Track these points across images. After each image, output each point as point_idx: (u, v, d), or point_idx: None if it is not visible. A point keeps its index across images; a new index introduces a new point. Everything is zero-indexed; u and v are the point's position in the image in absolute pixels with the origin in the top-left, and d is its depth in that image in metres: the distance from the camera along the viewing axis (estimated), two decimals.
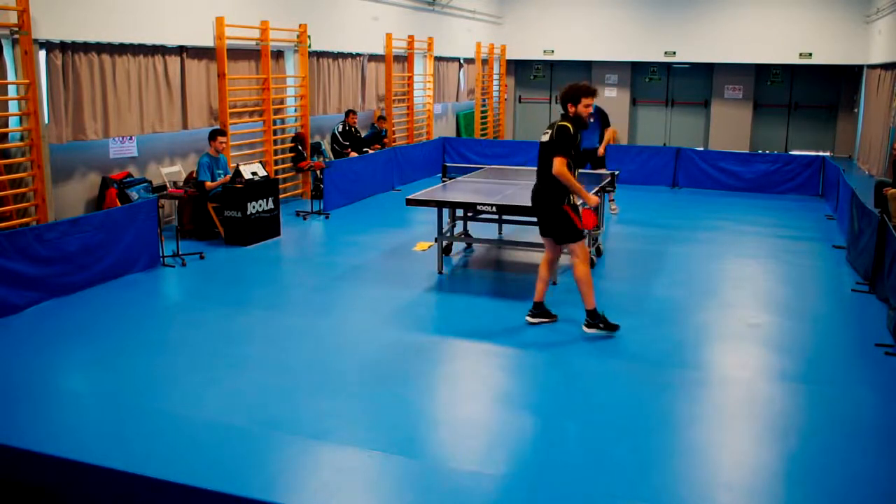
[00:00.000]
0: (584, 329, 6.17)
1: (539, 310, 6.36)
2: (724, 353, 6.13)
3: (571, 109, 5.94)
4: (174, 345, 6.05)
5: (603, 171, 10.02)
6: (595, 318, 6.13)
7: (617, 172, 9.59)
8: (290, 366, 5.54)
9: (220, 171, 9.23)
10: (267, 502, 3.72)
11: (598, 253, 8.72)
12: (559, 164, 5.79)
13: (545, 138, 5.97)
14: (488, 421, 4.83)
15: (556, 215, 6.02)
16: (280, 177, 11.25)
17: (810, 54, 17.91)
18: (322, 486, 3.94)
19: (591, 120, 9.75)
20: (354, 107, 13.43)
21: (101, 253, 7.34)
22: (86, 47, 8.20)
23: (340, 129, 12.77)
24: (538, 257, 8.34)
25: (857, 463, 4.29)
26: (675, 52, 18.91)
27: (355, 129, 12.99)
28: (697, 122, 20.01)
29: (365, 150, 13.20)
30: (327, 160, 11.92)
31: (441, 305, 7.14)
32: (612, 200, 10.88)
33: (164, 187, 9.34)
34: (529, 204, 6.33)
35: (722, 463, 4.34)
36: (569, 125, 5.90)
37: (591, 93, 5.93)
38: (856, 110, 18.25)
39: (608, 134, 10.47)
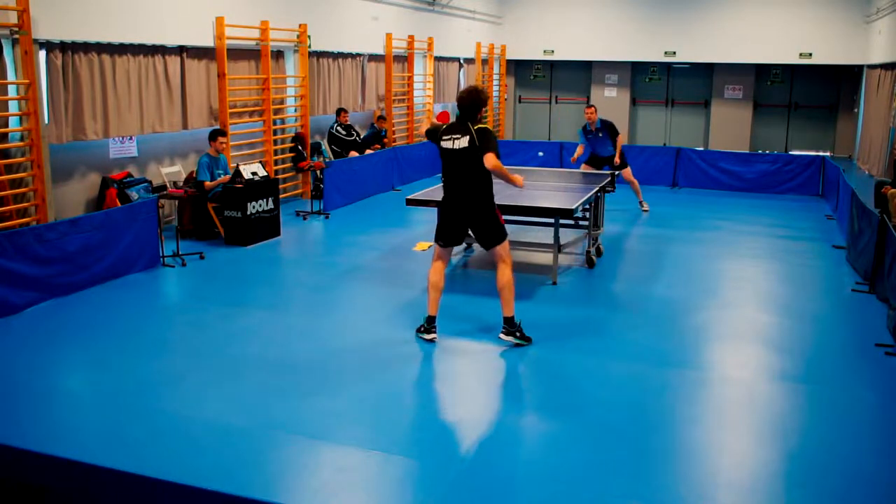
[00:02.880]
0: (501, 337, 5.88)
1: (432, 324, 5.95)
2: (724, 353, 6.13)
3: (482, 114, 5.84)
4: (174, 345, 6.05)
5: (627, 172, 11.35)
6: (513, 326, 5.88)
7: (617, 173, 9.60)
8: (290, 366, 5.54)
9: (220, 171, 9.22)
10: (267, 502, 3.72)
11: (599, 253, 8.73)
12: (495, 159, 5.57)
13: (458, 144, 5.66)
14: (488, 421, 4.83)
15: (490, 221, 5.84)
16: (280, 177, 11.25)
17: (810, 54, 17.91)
18: (322, 486, 3.95)
19: (600, 135, 11.10)
20: (355, 107, 13.44)
21: (101, 253, 7.34)
22: (86, 47, 8.20)
23: (340, 129, 12.74)
24: (537, 257, 8.37)
25: (858, 463, 4.29)
26: (675, 52, 18.90)
27: (351, 127, 12.99)
28: (697, 122, 20.01)
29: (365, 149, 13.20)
30: (327, 160, 11.92)
31: (441, 305, 7.11)
32: (643, 202, 11.76)
33: (164, 187, 9.34)
34: (461, 216, 5.85)
35: (722, 463, 4.34)
36: (488, 126, 5.78)
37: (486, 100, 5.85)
38: (856, 110, 18.25)
39: (620, 141, 11.35)
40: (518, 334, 5.90)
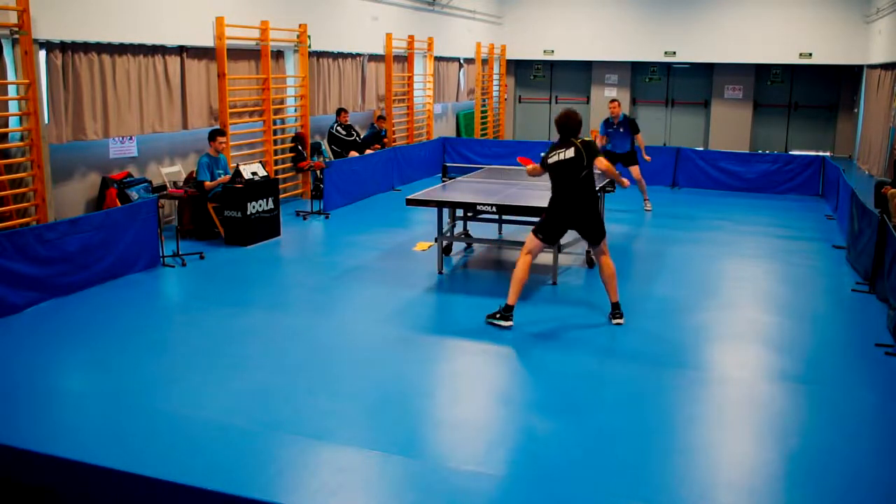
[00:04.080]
0: (615, 322, 6.44)
1: (509, 312, 6.36)
2: (724, 353, 6.13)
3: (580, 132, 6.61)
4: (174, 345, 6.06)
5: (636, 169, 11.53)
6: (620, 309, 6.49)
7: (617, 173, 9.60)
8: (290, 366, 5.54)
9: (220, 171, 9.23)
10: (267, 502, 3.72)
11: None
12: (606, 161, 6.48)
13: (564, 156, 6.36)
14: (488, 421, 4.83)
15: (597, 219, 6.53)
16: (280, 177, 11.25)
17: (810, 54, 17.91)
18: (322, 486, 3.95)
19: (621, 130, 11.31)
20: (355, 107, 13.44)
21: (101, 253, 7.34)
22: (86, 47, 8.20)
23: (340, 129, 12.74)
24: (537, 257, 8.34)
25: (858, 463, 4.29)
26: (675, 52, 18.90)
27: (352, 128, 12.99)
28: (697, 122, 20.01)
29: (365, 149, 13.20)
30: (327, 160, 11.92)
31: (441, 305, 7.14)
32: (647, 200, 11.90)
33: (164, 187, 9.34)
34: (575, 217, 6.48)
35: (722, 463, 4.34)
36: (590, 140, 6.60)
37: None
38: (856, 110, 18.25)
39: (640, 140, 11.64)
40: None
